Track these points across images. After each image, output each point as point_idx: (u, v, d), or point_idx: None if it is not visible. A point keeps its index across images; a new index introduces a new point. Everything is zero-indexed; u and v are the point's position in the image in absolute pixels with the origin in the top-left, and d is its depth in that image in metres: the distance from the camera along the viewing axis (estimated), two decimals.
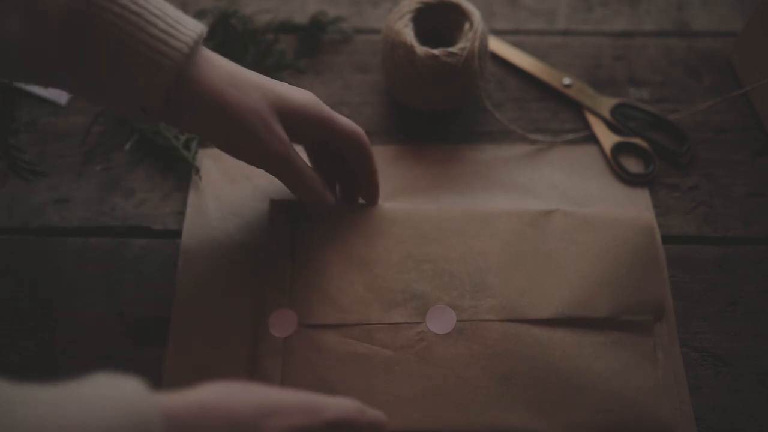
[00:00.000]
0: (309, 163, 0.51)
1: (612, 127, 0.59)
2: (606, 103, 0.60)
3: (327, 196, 0.49)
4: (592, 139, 0.59)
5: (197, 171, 0.56)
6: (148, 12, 0.41)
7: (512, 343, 0.47)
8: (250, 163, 0.47)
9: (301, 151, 0.49)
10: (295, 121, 0.46)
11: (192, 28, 0.42)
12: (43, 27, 0.39)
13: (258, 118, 0.44)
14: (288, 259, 0.50)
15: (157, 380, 0.48)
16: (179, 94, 0.43)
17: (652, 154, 0.57)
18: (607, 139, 0.58)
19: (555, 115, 0.60)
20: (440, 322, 0.47)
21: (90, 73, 0.41)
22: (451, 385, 0.46)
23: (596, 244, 0.50)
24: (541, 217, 0.51)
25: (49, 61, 0.40)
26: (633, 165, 0.57)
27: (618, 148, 0.58)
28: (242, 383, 0.37)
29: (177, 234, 0.54)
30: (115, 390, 0.33)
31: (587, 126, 0.60)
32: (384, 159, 0.57)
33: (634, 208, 0.55)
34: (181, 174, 0.57)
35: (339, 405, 0.38)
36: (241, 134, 0.44)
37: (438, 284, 0.49)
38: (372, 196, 0.52)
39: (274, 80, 0.46)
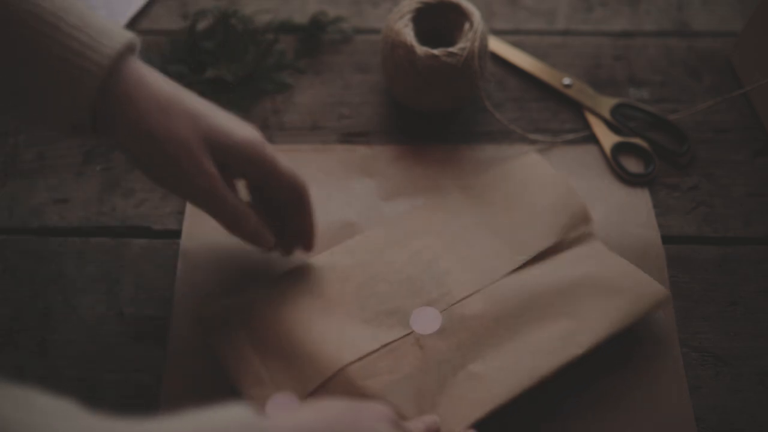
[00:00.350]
0: (248, 198, 0.48)
1: (612, 127, 0.59)
2: (606, 103, 0.60)
3: (264, 237, 0.45)
4: (592, 139, 0.59)
5: None
6: (65, 23, 0.37)
7: (500, 303, 0.47)
8: (178, 195, 0.44)
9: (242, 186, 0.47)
10: (230, 158, 0.43)
11: (117, 39, 0.39)
12: None
13: (183, 149, 0.40)
14: (250, 351, 0.46)
15: (157, 380, 0.48)
16: (106, 112, 0.40)
17: (652, 154, 0.57)
18: (607, 139, 0.58)
19: (555, 115, 0.60)
20: (426, 322, 0.47)
21: (10, 91, 0.39)
22: (478, 363, 0.45)
23: (502, 193, 0.53)
24: (445, 198, 0.53)
25: None
26: (633, 165, 0.57)
27: (618, 148, 0.58)
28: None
29: (177, 234, 0.54)
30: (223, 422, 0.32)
31: (587, 126, 0.60)
32: (384, 159, 0.57)
33: (632, 206, 0.55)
34: None
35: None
36: (165, 164, 0.41)
37: (402, 293, 0.48)
38: (307, 246, 0.48)
39: (216, 110, 0.43)
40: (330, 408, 0.37)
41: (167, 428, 0.31)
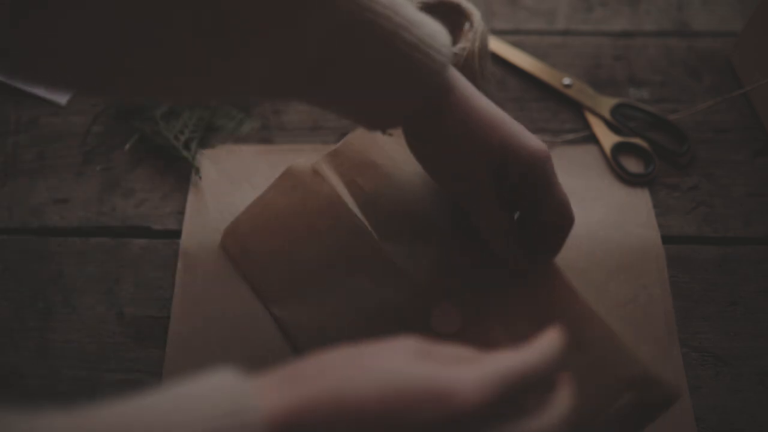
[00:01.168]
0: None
1: (612, 127, 0.59)
2: (606, 103, 0.60)
3: (519, 258, 0.45)
4: (592, 139, 0.59)
5: (197, 171, 0.56)
6: (407, 28, 0.38)
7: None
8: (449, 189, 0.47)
9: None
10: (516, 167, 0.42)
11: (445, 41, 0.40)
12: (303, 46, 0.36)
13: (476, 180, 0.42)
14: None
15: (157, 380, 0.48)
16: (430, 109, 0.41)
17: (652, 154, 0.57)
18: (607, 139, 0.58)
19: (555, 115, 0.60)
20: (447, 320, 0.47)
21: (352, 88, 0.40)
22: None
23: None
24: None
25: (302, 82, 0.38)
26: (633, 165, 0.57)
27: (618, 148, 0.58)
28: (355, 351, 0.32)
29: (177, 234, 0.54)
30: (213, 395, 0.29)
31: (587, 126, 0.60)
32: None
33: (632, 206, 0.55)
34: (181, 174, 0.57)
35: (472, 380, 0.30)
36: (458, 186, 0.43)
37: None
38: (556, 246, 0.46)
39: (512, 123, 0.42)
40: (369, 390, 0.30)
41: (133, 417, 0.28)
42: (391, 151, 0.51)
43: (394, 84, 0.39)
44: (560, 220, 0.44)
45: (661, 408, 0.43)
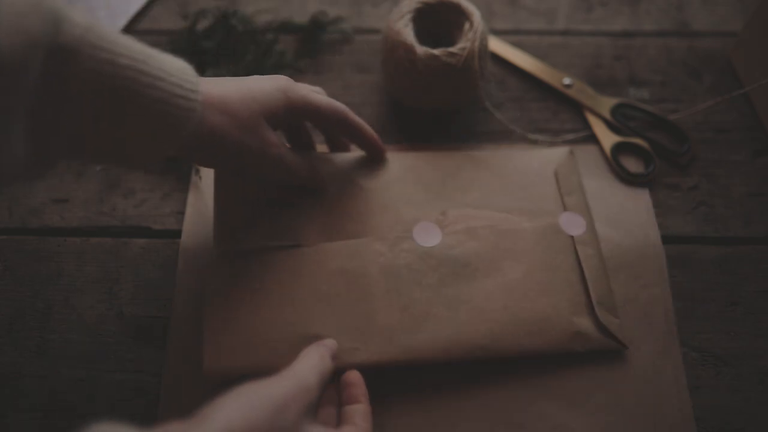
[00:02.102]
0: (288, 143, 0.52)
1: (612, 127, 0.59)
2: (606, 103, 0.60)
3: (319, 179, 0.50)
4: (592, 138, 0.59)
5: (197, 171, 0.56)
6: (151, 76, 0.39)
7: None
8: (247, 178, 0.49)
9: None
10: (278, 117, 0.46)
11: (193, 79, 0.41)
12: (62, 92, 0.37)
13: (254, 142, 0.44)
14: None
15: (157, 380, 0.48)
16: (192, 142, 0.42)
17: (653, 154, 0.57)
18: (608, 138, 0.58)
19: (555, 115, 0.60)
20: (427, 235, 0.50)
21: (101, 139, 0.40)
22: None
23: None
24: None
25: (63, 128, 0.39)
26: (633, 165, 0.57)
27: (618, 148, 0.58)
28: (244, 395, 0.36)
29: (177, 234, 0.54)
30: None
31: (587, 126, 0.60)
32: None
33: (632, 206, 0.55)
34: (181, 174, 0.57)
35: (311, 367, 0.40)
36: (238, 164, 0.45)
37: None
38: (377, 149, 0.52)
39: (251, 82, 0.45)
40: (253, 409, 0.35)
41: None
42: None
43: (149, 137, 0.40)
44: (335, 112, 0.49)
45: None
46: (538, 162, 0.55)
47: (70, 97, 0.36)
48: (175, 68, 0.40)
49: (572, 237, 0.51)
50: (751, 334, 0.50)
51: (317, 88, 0.51)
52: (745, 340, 0.50)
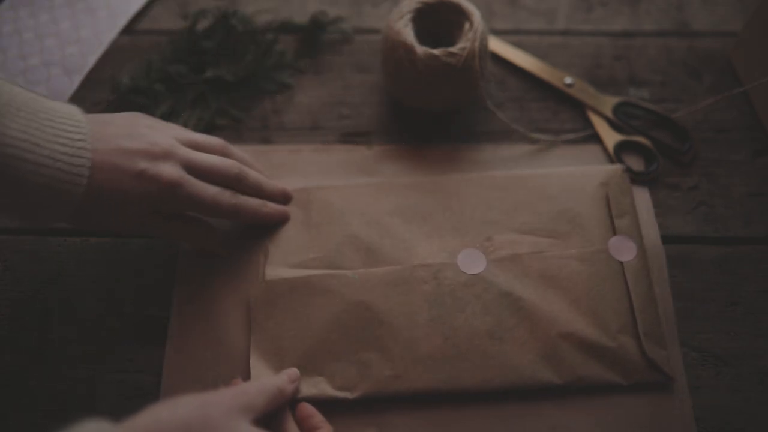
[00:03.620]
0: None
1: (614, 126, 0.59)
2: (608, 102, 0.60)
3: (216, 244, 0.52)
4: (593, 138, 0.59)
5: None
6: (37, 153, 0.41)
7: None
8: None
9: None
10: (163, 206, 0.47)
11: (82, 155, 0.43)
12: None
13: (133, 216, 0.46)
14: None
15: (157, 380, 0.48)
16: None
17: (655, 152, 0.57)
18: (610, 137, 0.58)
19: (555, 115, 0.60)
20: (471, 262, 0.50)
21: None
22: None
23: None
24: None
25: None
26: (635, 163, 0.57)
27: (621, 147, 0.58)
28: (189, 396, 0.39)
29: None
30: None
31: (587, 125, 0.60)
32: (384, 159, 0.57)
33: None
34: None
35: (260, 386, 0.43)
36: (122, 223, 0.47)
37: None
38: (284, 197, 0.54)
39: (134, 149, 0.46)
40: (180, 406, 0.38)
41: None
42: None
43: (40, 209, 0.43)
44: (220, 149, 0.51)
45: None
46: (588, 182, 0.54)
47: None
48: (62, 151, 0.42)
49: (622, 263, 0.50)
50: (751, 334, 0.50)
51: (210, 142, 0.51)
52: (745, 340, 0.50)
